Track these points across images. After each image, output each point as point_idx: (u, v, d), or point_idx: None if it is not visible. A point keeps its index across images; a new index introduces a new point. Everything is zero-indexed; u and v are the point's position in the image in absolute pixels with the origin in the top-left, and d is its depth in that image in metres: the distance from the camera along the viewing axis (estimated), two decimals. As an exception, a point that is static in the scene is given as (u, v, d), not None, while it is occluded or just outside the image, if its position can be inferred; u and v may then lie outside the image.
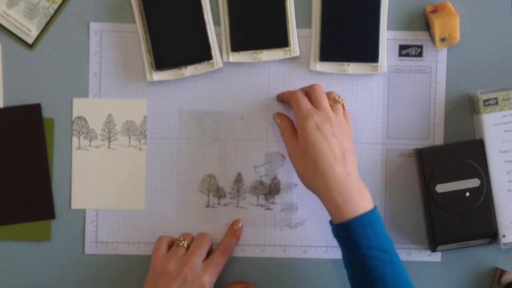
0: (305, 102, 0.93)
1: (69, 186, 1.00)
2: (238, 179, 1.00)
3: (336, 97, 0.95)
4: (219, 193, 1.00)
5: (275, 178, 1.00)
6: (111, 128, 1.00)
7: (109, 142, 1.00)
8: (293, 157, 0.93)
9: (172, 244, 0.97)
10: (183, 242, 0.96)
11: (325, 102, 0.93)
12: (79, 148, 1.00)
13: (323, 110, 0.92)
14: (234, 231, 0.99)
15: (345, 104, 0.96)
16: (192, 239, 0.97)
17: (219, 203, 1.00)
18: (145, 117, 1.00)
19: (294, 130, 0.95)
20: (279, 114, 0.98)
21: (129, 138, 1.00)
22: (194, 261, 0.94)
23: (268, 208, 1.00)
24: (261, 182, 1.00)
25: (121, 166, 1.00)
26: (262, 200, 1.00)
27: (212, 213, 1.00)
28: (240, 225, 0.99)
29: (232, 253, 0.99)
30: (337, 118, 0.92)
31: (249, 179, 1.00)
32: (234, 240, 0.99)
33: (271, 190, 1.00)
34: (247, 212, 1.00)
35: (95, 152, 1.00)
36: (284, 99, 0.98)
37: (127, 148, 1.00)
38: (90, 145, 1.00)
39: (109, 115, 1.00)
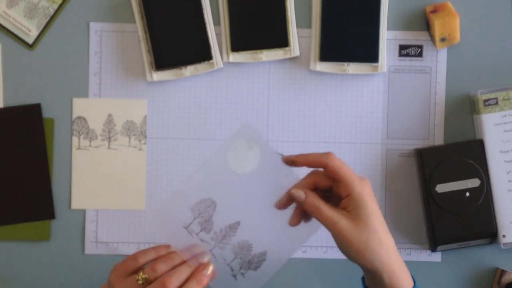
0: (349, 167, 0.81)
1: (69, 186, 1.00)
2: (234, 227, 0.85)
3: None
4: (206, 224, 0.84)
5: (265, 253, 0.85)
6: (111, 128, 1.00)
7: (109, 142, 1.00)
8: (347, 232, 0.78)
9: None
10: (144, 276, 0.80)
11: None
12: (79, 148, 1.00)
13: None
14: (200, 277, 0.81)
15: None
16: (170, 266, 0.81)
17: (197, 234, 0.84)
18: (145, 117, 1.00)
19: (327, 201, 0.81)
20: (299, 187, 0.81)
21: (129, 138, 1.00)
22: None
23: (234, 276, 0.85)
24: (249, 248, 0.85)
25: (121, 166, 1.00)
26: (235, 264, 0.85)
27: (182, 237, 0.83)
28: (210, 271, 0.81)
29: None
30: None
31: (244, 234, 0.84)
32: None
33: (252, 261, 0.85)
34: (215, 263, 0.83)
35: (95, 152, 1.00)
36: (310, 162, 0.81)
37: (127, 148, 1.00)
38: (90, 145, 1.00)
39: (109, 115, 1.00)
